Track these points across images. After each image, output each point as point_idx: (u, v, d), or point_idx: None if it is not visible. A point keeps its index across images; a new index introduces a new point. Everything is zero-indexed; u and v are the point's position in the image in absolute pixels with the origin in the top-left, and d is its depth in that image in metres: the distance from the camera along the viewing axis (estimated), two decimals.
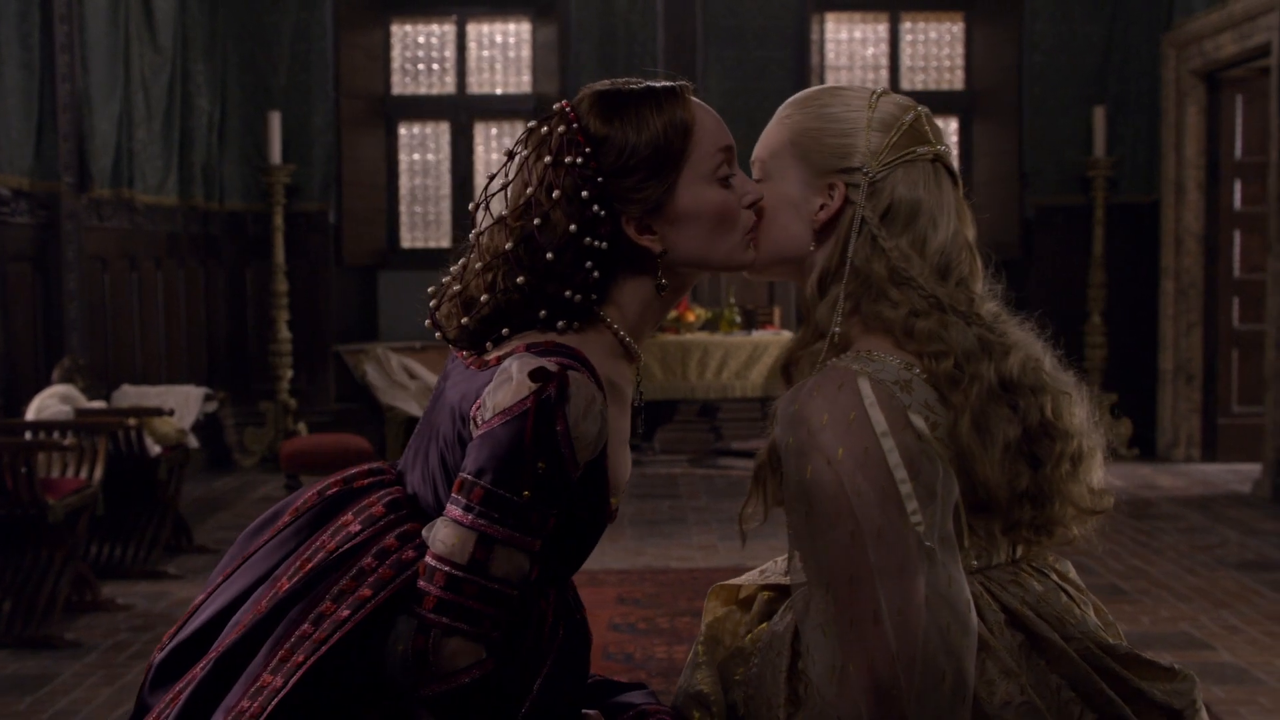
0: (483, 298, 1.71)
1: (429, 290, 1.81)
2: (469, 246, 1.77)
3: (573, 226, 1.67)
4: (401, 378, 9.07)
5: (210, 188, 8.98)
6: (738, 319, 8.86)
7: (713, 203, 1.72)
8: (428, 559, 1.63)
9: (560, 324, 1.70)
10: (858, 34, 9.94)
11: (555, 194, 1.68)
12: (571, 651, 1.74)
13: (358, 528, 1.72)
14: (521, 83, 9.93)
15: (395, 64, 9.96)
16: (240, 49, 9.14)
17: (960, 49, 9.94)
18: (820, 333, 1.73)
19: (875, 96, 1.78)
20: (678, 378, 8.55)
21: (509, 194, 1.74)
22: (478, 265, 1.73)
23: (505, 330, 1.72)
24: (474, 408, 1.64)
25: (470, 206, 1.78)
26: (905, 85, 9.79)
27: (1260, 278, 8.19)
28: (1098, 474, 1.76)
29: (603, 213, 1.68)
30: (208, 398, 7.27)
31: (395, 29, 9.95)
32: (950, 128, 9.91)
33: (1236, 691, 4.27)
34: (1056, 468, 1.70)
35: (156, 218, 8.29)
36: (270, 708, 1.58)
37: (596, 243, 1.68)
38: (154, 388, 7.41)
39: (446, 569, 1.60)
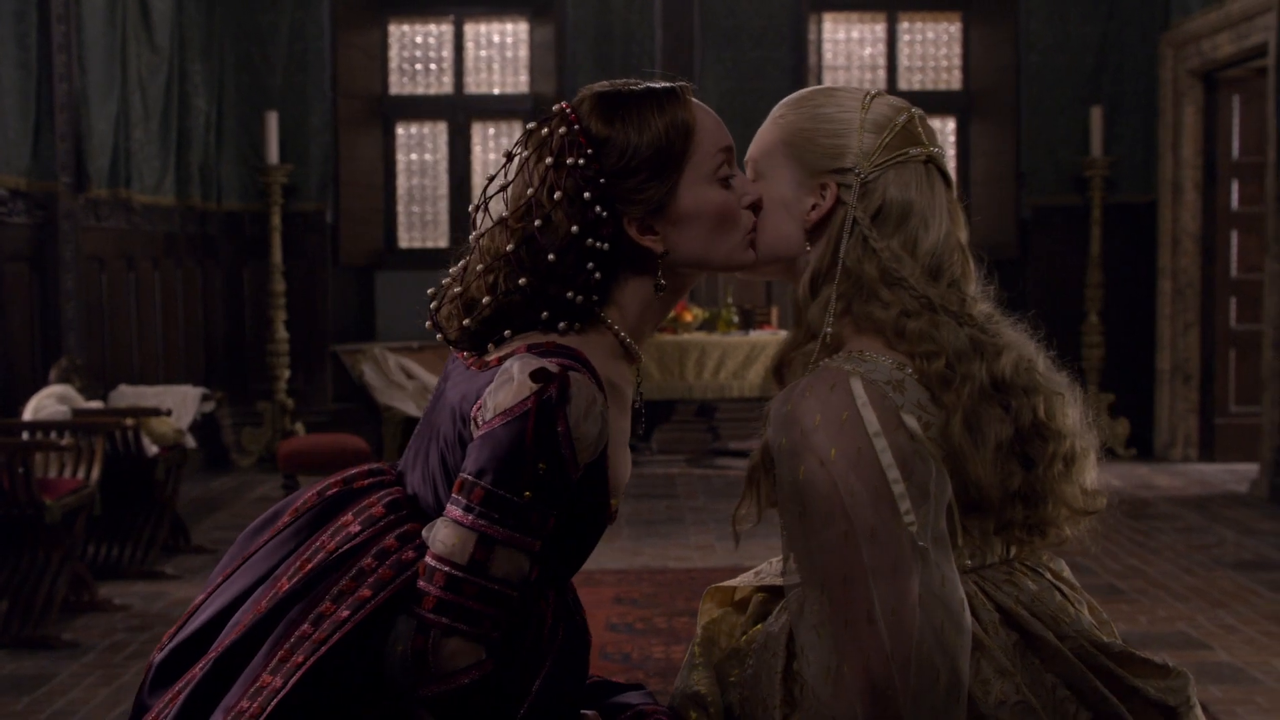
0: (484, 299, 1.71)
1: (429, 292, 1.82)
2: (469, 248, 1.78)
3: (574, 228, 1.68)
4: (399, 378, 9.07)
5: (207, 188, 8.98)
6: (735, 319, 8.86)
7: (714, 203, 1.73)
8: (427, 559, 1.63)
9: (561, 325, 1.70)
10: (855, 34, 9.94)
11: (557, 195, 1.68)
12: (571, 653, 1.74)
13: (358, 528, 1.72)
14: (519, 83, 9.93)
15: (392, 64, 9.96)
16: (237, 49, 9.14)
17: (957, 49, 9.95)
18: (812, 333, 1.74)
19: (869, 98, 1.78)
20: (675, 378, 8.55)
21: (509, 195, 1.75)
22: (479, 267, 1.73)
23: (507, 332, 1.72)
24: (474, 408, 1.65)
25: (470, 209, 1.78)
26: (902, 85, 9.79)
27: (1258, 278, 8.20)
28: (1091, 475, 1.76)
29: (604, 214, 1.69)
30: (205, 398, 7.27)
31: (392, 29, 9.95)
32: (947, 128, 9.92)
33: (1234, 691, 4.28)
34: (1049, 468, 1.70)
35: (154, 218, 8.29)
36: (270, 708, 1.58)
37: (598, 244, 1.68)
38: (151, 388, 7.40)
39: (446, 569, 1.60)
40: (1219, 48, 8.38)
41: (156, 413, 6.20)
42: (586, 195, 1.68)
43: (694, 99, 1.75)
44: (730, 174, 1.75)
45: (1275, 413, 7.50)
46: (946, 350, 1.67)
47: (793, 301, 1.80)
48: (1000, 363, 1.70)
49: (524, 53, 9.93)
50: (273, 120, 8.83)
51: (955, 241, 1.76)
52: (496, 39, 9.96)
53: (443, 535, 1.62)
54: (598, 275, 1.70)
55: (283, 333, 9.00)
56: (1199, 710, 1.74)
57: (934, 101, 9.72)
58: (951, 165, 9.76)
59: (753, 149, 1.82)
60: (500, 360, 1.68)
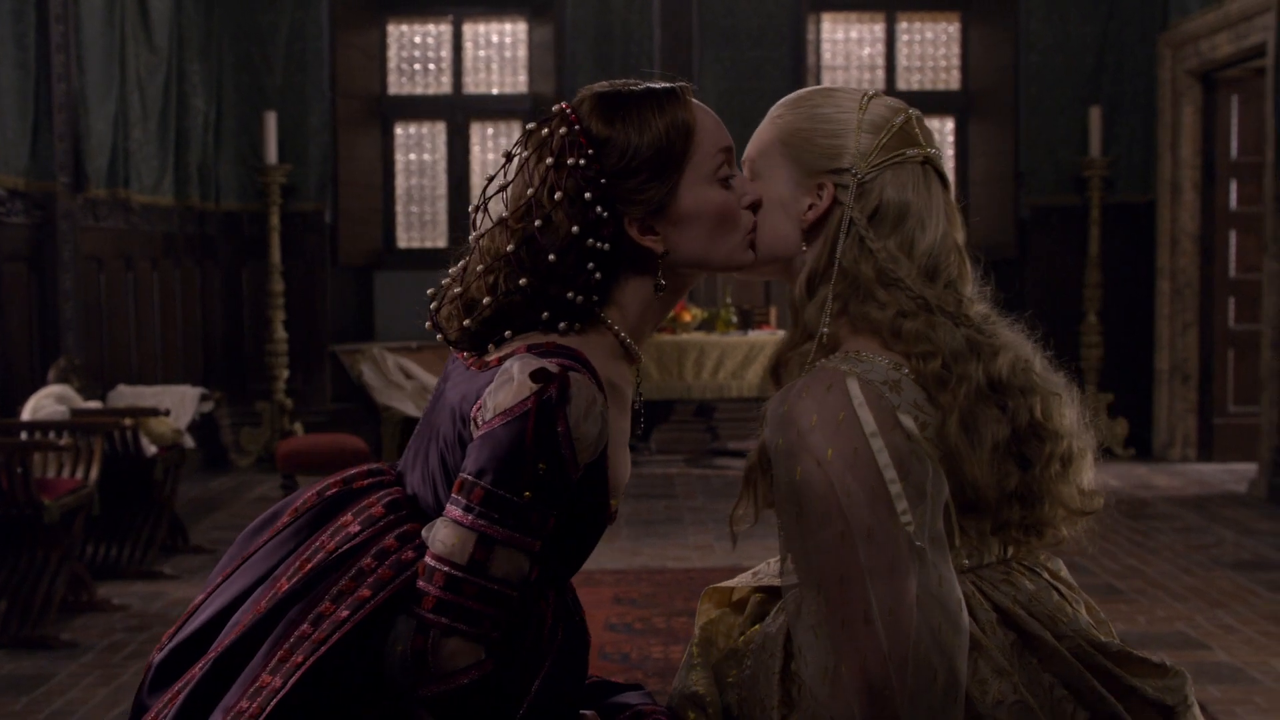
0: (485, 300, 1.71)
1: (429, 292, 1.82)
2: (468, 248, 1.78)
3: (575, 228, 1.68)
4: (398, 378, 9.07)
5: (206, 188, 8.98)
6: (734, 319, 8.86)
7: (714, 203, 1.73)
8: (427, 559, 1.63)
9: (562, 325, 1.70)
10: (854, 34, 9.94)
11: (557, 195, 1.68)
12: (570, 653, 1.74)
13: (357, 528, 1.72)
14: (518, 83, 9.93)
15: (391, 64, 9.96)
16: (236, 49, 9.14)
17: (956, 49, 9.95)
18: (809, 333, 1.74)
19: (866, 98, 1.78)
20: (674, 378, 8.55)
21: (509, 196, 1.75)
22: (479, 267, 1.73)
23: (508, 332, 1.72)
24: (474, 408, 1.65)
25: (470, 210, 1.79)
26: (901, 85, 9.79)
27: (1256, 278, 8.20)
28: (1088, 475, 1.76)
29: (605, 214, 1.69)
30: (204, 398, 7.26)
31: (391, 29, 9.94)
32: (946, 128, 9.92)
33: (1232, 691, 4.28)
34: (1046, 468, 1.70)
35: (152, 218, 8.29)
36: (269, 708, 1.58)
37: (599, 244, 1.69)
38: (150, 388, 7.40)
39: (446, 569, 1.60)
40: (1218, 48, 8.38)
41: (155, 413, 6.20)
42: (587, 196, 1.68)
43: (694, 99, 1.75)
44: (730, 174, 1.75)
45: (1274, 413, 7.50)
46: (943, 350, 1.67)
47: (789, 302, 1.80)
48: (997, 363, 1.70)
49: (523, 53, 9.93)
50: (271, 120, 8.83)
51: (952, 242, 1.77)
52: (495, 39, 9.96)
53: (442, 535, 1.62)
54: (598, 275, 1.70)
55: (281, 333, 9.00)
56: (1196, 709, 1.74)
57: (933, 101, 9.73)
58: (950, 165, 9.82)
59: (750, 149, 1.82)
60: (500, 360, 1.68)
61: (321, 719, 1.62)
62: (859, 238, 1.72)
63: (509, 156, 1.77)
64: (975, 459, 1.65)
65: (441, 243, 9.86)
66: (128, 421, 5.92)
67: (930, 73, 9.98)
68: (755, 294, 9.29)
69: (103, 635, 5.06)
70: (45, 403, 5.85)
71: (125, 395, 7.12)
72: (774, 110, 1.82)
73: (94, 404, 6.23)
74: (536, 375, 1.59)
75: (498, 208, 1.75)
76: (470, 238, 1.77)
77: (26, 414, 5.83)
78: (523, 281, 1.69)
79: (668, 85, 1.75)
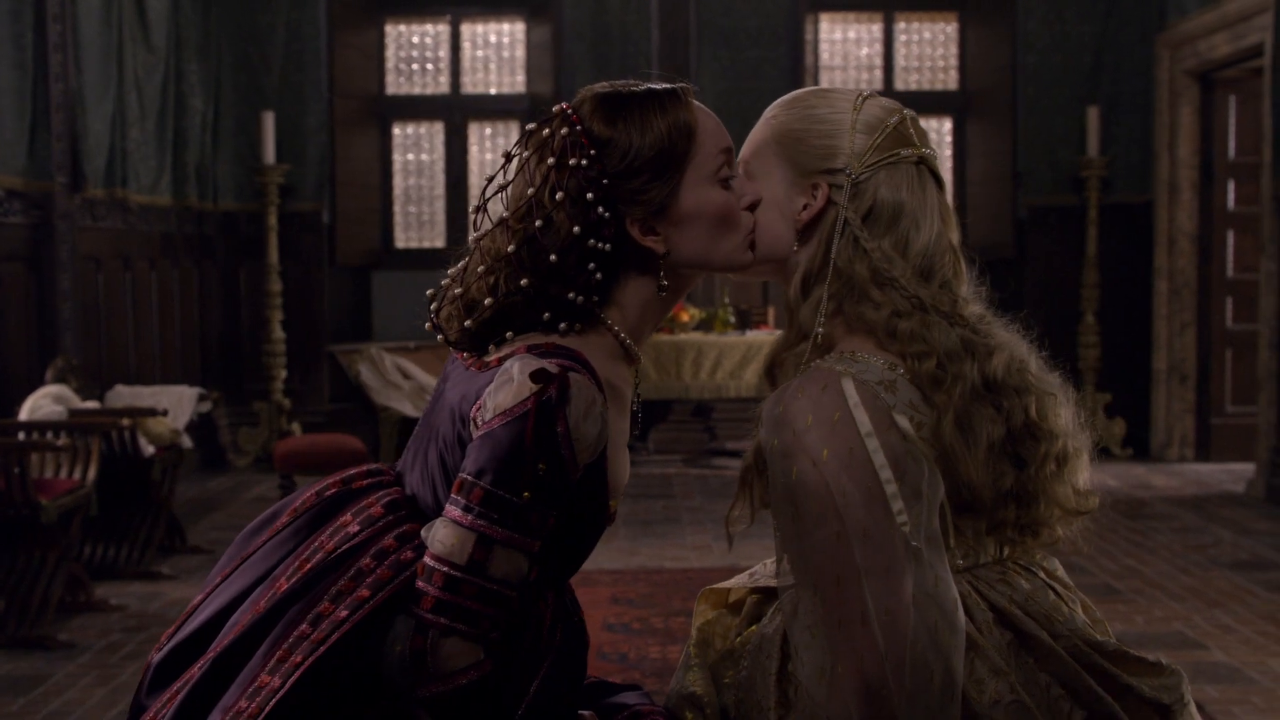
0: (485, 300, 1.71)
1: (429, 293, 1.82)
2: (468, 249, 1.78)
3: (576, 228, 1.68)
4: (395, 378, 9.06)
5: (204, 188, 8.97)
6: (732, 319, 8.86)
7: (715, 204, 1.73)
8: (426, 559, 1.63)
9: (562, 326, 1.70)
10: (852, 34, 9.94)
11: (559, 196, 1.68)
12: (569, 654, 1.75)
13: (356, 528, 1.72)
14: (516, 83, 9.93)
15: (389, 64, 9.95)
16: (234, 49, 9.13)
17: (954, 49, 9.95)
18: (804, 334, 1.74)
19: (861, 99, 1.78)
20: (672, 378, 8.55)
21: (509, 196, 1.75)
22: (479, 268, 1.73)
23: (509, 333, 1.72)
24: (474, 409, 1.65)
25: (471, 210, 1.78)
26: (899, 85, 9.79)
27: (1254, 278, 8.20)
28: (1083, 475, 1.77)
29: (607, 214, 1.69)
30: (201, 398, 7.26)
31: (389, 29, 9.94)
32: (944, 128, 9.92)
33: (1230, 691, 4.28)
34: (1041, 468, 1.71)
35: (150, 218, 8.28)
36: (268, 708, 1.59)
37: (600, 244, 1.69)
38: (148, 388, 7.40)
39: (445, 569, 1.60)
40: (1215, 48, 8.39)
41: (153, 413, 6.20)
42: (589, 196, 1.68)
43: (694, 100, 1.76)
44: (730, 175, 1.75)
45: (1271, 412, 7.51)
46: (937, 350, 1.67)
47: (784, 302, 1.80)
48: (992, 363, 1.70)
49: (521, 53, 9.93)
50: (269, 120, 8.83)
51: (947, 242, 1.77)
52: (493, 39, 9.96)
53: (442, 535, 1.62)
54: (599, 276, 1.70)
55: (279, 333, 9.00)
56: (1193, 708, 1.74)
57: (930, 101, 9.73)
58: (948, 165, 9.83)
59: (745, 149, 1.82)
60: (500, 361, 1.68)
61: (320, 719, 1.62)
62: (853, 238, 1.73)
63: (508, 157, 1.77)
64: (970, 459, 1.65)
65: (439, 243, 9.86)
66: (125, 421, 5.91)
67: (928, 73, 9.98)
68: (753, 294, 9.29)
69: (100, 635, 5.05)
70: (43, 403, 5.85)
71: (123, 395, 7.11)
72: (769, 111, 1.83)
73: (92, 404, 6.22)
74: (536, 376, 1.59)
75: (497, 208, 1.76)
76: (470, 238, 1.77)
77: (24, 414, 5.83)
78: (524, 282, 1.69)
79: (669, 86, 1.75)
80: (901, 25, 9.92)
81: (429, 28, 9.95)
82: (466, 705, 1.61)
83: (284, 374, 9.05)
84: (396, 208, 9.98)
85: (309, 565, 1.69)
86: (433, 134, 9.96)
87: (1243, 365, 8.67)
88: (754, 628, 1.82)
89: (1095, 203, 9.03)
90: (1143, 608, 5.27)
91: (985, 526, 1.71)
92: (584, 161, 1.69)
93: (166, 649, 1.75)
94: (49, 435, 5.51)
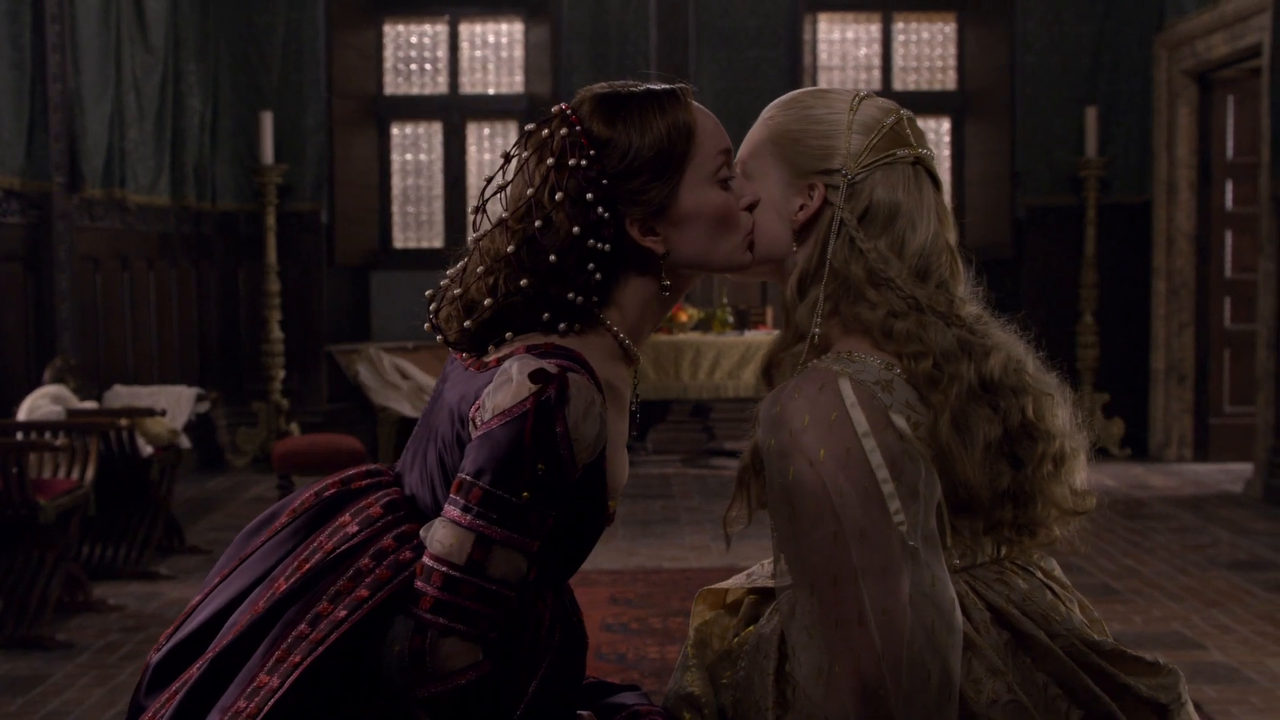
0: (485, 301, 1.71)
1: (427, 294, 1.82)
2: (467, 249, 1.78)
3: (576, 229, 1.68)
4: (394, 378, 9.06)
5: (202, 188, 8.97)
6: (730, 319, 8.87)
7: (714, 204, 1.73)
8: (425, 559, 1.63)
9: (562, 326, 1.70)
10: (850, 34, 9.94)
11: (558, 196, 1.68)
12: (568, 654, 1.75)
13: (355, 529, 1.72)
14: (514, 83, 9.93)
15: (387, 64, 9.95)
16: (232, 49, 9.13)
17: (952, 49, 9.95)
18: (800, 334, 1.74)
19: (858, 99, 1.79)
20: (670, 378, 8.55)
21: (508, 197, 1.75)
22: (479, 269, 1.73)
23: (508, 334, 1.72)
24: (473, 409, 1.65)
25: (470, 211, 1.79)
26: (898, 86, 9.80)
27: (1252, 278, 8.21)
28: (1080, 475, 1.77)
29: (606, 215, 1.69)
30: (200, 398, 7.26)
31: (387, 29, 9.94)
32: (942, 128, 9.92)
33: (1228, 691, 4.29)
34: (1038, 468, 1.71)
35: (148, 218, 8.28)
36: (267, 708, 1.59)
37: (599, 245, 1.69)
38: (146, 388, 7.40)
39: (444, 569, 1.60)
40: (1213, 48, 8.39)
41: (151, 413, 6.20)
42: (589, 196, 1.68)
43: (693, 101, 1.76)
44: (729, 175, 1.75)
45: (1269, 412, 7.51)
46: (934, 350, 1.67)
47: (781, 302, 1.80)
48: (988, 363, 1.70)
49: (519, 53, 9.93)
50: (268, 120, 8.83)
51: (944, 243, 1.77)
52: (491, 39, 9.96)
53: (440, 535, 1.62)
54: (598, 276, 1.70)
55: (277, 333, 8.99)
56: (1190, 708, 1.74)
57: (929, 102, 9.73)
58: (946, 165, 9.83)
59: (743, 150, 1.83)
60: (499, 361, 1.68)
61: (319, 719, 1.62)
62: (849, 238, 1.73)
63: (507, 157, 1.77)
64: (967, 459, 1.65)
65: (438, 243, 9.86)
66: (124, 422, 5.91)
67: (926, 73, 9.98)
68: (752, 294, 9.30)
69: (99, 636, 5.05)
70: (41, 403, 5.85)
71: (121, 395, 7.12)
72: (766, 111, 1.83)
73: (90, 404, 6.22)
74: (535, 376, 1.60)
75: (496, 209, 1.76)
76: (469, 239, 1.77)
77: (22, 414, 5.83)
78: (523, 282, 1.69)
79: (668, 87, 1.75)
80: (900, 25, 9.93)
81: (427, 28, 9.95)
82: (465, 705, 1.61)
83: (282, 374, 9.05)
84: (395, 208, 9.98)
85: (308, 565, 1.69)
86: (431, 134, 9.96)
87: (1241, 365, 8.68)
88: (751, 628, 1.82)
89: (1093, 203, 9.03)
90: (1141, 608, 5.27)
91: (982, 526, 1.71)
92: (583, 162, 1.69)
93: (165, 649, 1.75)
94: (47, 435, 5.51)
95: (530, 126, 1.76)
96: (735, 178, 1.77)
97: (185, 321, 8.79)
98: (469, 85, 9.94)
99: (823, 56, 9.87)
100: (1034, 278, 9.31)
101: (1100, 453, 8.42)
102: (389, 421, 8.72)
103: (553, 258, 1.68)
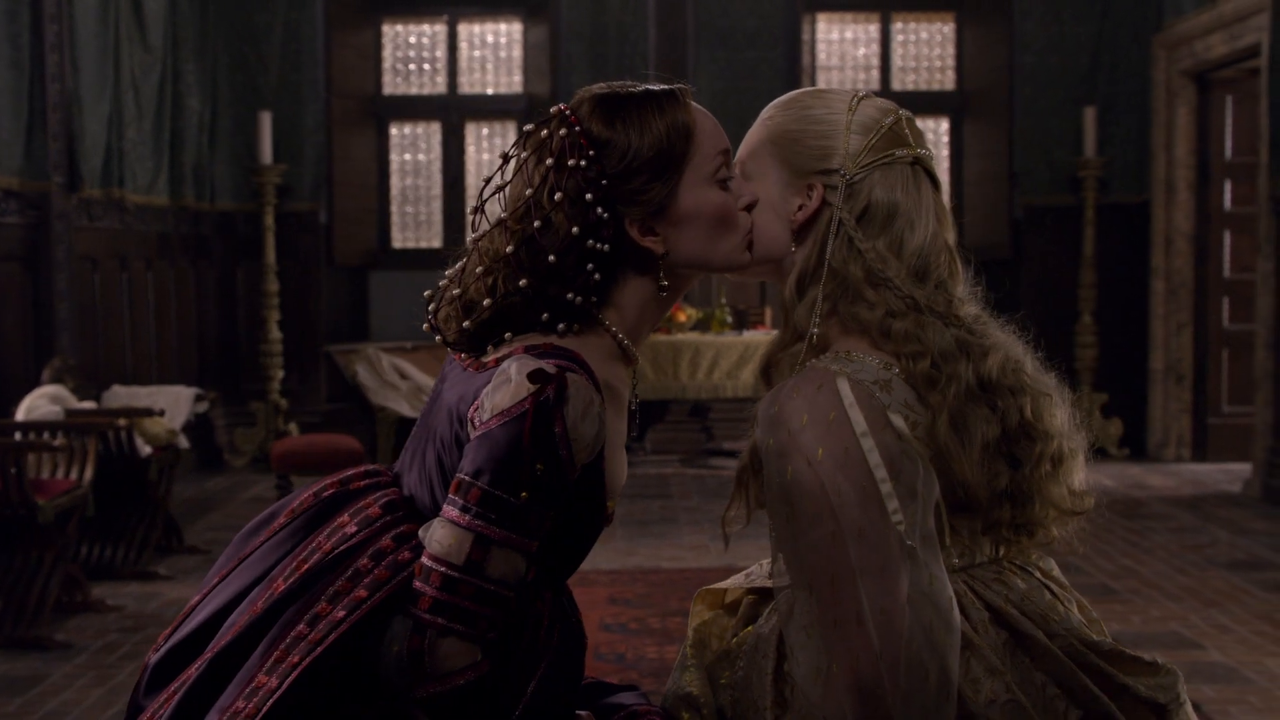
0: (484, 301, 1.71)
1: (426, 294, 1.82)
2: (466, 250, 1.78)
3: (575, 229, 1.68)
4: (393, 378, 9.06)
5: (201, 188, 8.97)
6: (729, 319, 8.87)
7: (713, 204, 1.73)
8: (424, 559, 1.63)
9: (561, 327, 1.70)
10: (849, 34, 9.95)
11: (557, 196, 1.68)
12: (566, 654, 1.74)
13: (354, 529, 1.72)
14: (513, 83, 9.93)
15: (386, 64, 9.95)
16: (231, 49, 9.13)
17: (951, 49, 9.95)
18: (799, 334, 1.74)
19: (856, 100, 1.79)
20: (669, 378, 8.55)
21: (507, 197, 1.75)
22: (478, 269, 1.73)
23: (507, 334, 1.72)
24: (472, 409, 1.65)
25: (469, 211, 1.79)
26: (896, 86, 9.80)
27: (1250, 278, 8.22)
28: (1079, 475, 1.77)
29: (605, 215, 1.69)
30: (198, 398, 7.26)
31: (386, 29, 9.94)
32: (941, 128, 9.92)
33: (1227, 691, 4.29)
34: (1036, 468, 1.71)
35: (147, 218, 8.28)
36: (265, 708, 1.59)
37: (599, 245, 1.69)
38: (144, 388, 7.40)
39: (442, 569, 1.60)
40: (1212, 48, 8.40)
41: (150, 413, 6.20)
42: (588, 197, 1.68)
43: (692, 101, 1.76)
44: (728, 176, 1.76)
45: (1268, 412, 7.52)
46: (932, 350, 1.67)
47: (780, 302, 1.80)
48: (987, 363, 1.70)
49: (518, 53, 9.93)
50: (266, 120, 8.82)
51: (942, 243, 1.77)
52: (490, 39, 9.96)
53: (439, 535, 1.62)
54: (597, 276, 1.70)
55: (276, 333, 8.99)
56: (1189, 708, 1.74)
57: (927, 102, 9.74)
58: (945, 165, 9.83)
59: (742, 150, 1.83)
60: (498, 361, 1.68)
61: (318, 719, 1.62)
62: (848, 238, 1.73)
63: (506, 158, 1.77)
64: (965, 458, 1.65)
65: (436, 243, 9.86)
66: (122, 422, 5.91)
67: (925, 73, 9.99)
68: (750, 294, 9.30)
69: (97, 636, 5.05)
70: (40, 403, 5.85)
71: (120, 395, 7.11)
72: (765, 112, 1.83)
73: (88, 404, 6.22)
74: (534, 376, 1.60)
75: (495, 209, 1.76)
76: (468, 239, 1.77)
77: (21, 414, 5.83)
78: (522, 283, 1.69)
79: (667, 87, 1.75)
80: (899, 25, 9.93)
81: (426, 28, 9.95)
82: (464, 706, 1.61)
83: (281, 374, 9.05)
84: (393, 208, 9.98)
85: (306, 566, 1.69)
86: (430, 134, 9.97)
87: (1239, 365, 8.68)
88: (750, 628, 1.82)
89: (1092, 203, 9.04)
90: (1139, 607, 5.27)
91: (981, 526, 1.71)
92: (583, 162, 1.69)
93: (164, 649, 1.75)
94: (46, 435, 5.51)
95: (529, 127, 1.76)
96: (734, 178, 1.77)
97: (184, 321, 8.79)
98: (468, 85, 9.94)
99: (821, 56, 9.87)
100: (1032, 278, 9.31)
101: (1098, 453, 8.42)
102: (387, 421, 8.72)
103: (552, 258, 1.68)
